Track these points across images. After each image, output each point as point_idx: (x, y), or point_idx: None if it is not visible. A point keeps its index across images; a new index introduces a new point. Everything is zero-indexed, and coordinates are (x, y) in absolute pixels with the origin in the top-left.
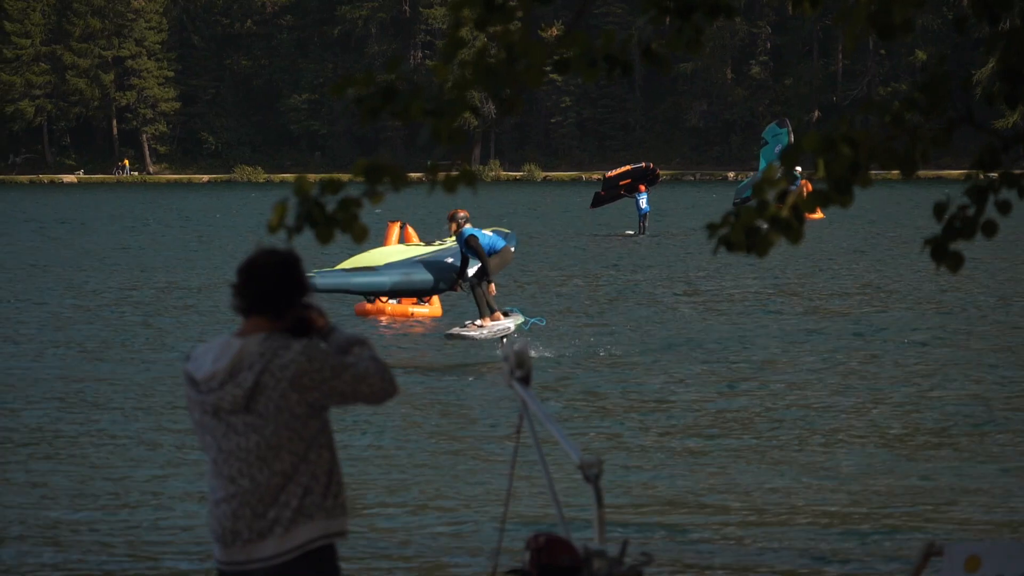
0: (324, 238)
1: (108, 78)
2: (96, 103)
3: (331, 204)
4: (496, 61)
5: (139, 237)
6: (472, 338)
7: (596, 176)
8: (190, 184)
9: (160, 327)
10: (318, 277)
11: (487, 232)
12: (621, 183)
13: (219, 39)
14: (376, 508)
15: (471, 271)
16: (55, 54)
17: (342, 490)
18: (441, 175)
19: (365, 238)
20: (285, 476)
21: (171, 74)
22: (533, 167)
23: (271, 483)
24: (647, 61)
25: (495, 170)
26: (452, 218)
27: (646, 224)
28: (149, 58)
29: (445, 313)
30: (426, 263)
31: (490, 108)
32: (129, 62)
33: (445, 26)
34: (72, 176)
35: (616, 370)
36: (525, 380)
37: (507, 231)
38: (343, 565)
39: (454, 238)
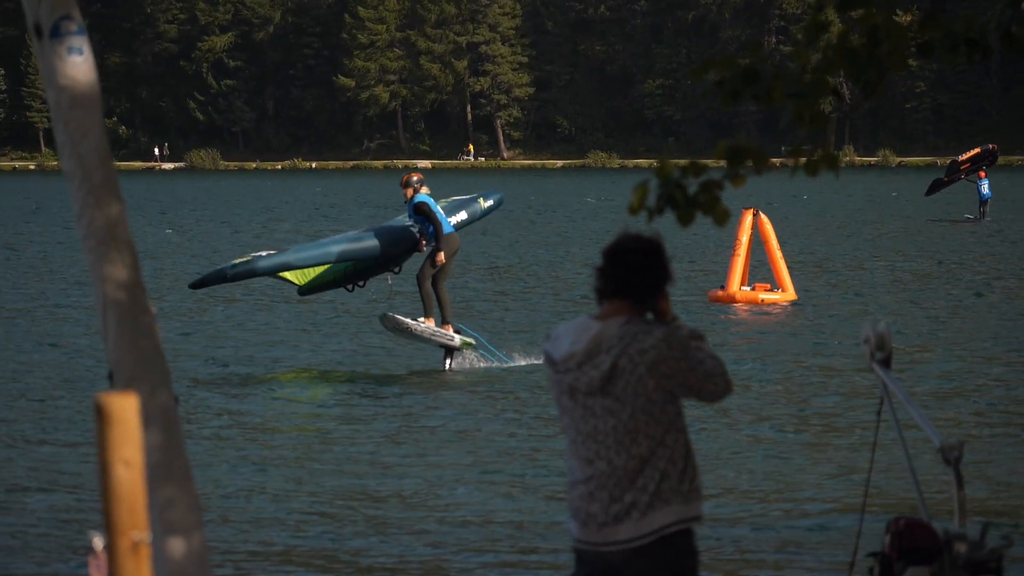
0: (685, 220)
1: (462, 64)
2: (450, 89)
3: (692, 187)
4: (857, 45)
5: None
6: (408, 328)
7: (949, 161)
8: (543, 169)
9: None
10: (258, 261)
11: (441, 208)
12: (963, 167)
13: (572, 24)
14: (731, 496)
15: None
16: (409, 40)
17: (698, 474)
18: (802, 159)
19: (726, 221)
20: (642, 460)
21: (525, 60)
22: (888, 152)
23: (628, 467)
24: (1007, 46)
25: (849, 155)
26: (407, 183)
27: (986, 210)
28: (503, 44)
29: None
30: (380, 230)
31: (845, 92)
32: (483, 48)
33: (799, 11)
34: (426, 161)
35: (946, 358)
36: (886, 362)
37: (479, 202)
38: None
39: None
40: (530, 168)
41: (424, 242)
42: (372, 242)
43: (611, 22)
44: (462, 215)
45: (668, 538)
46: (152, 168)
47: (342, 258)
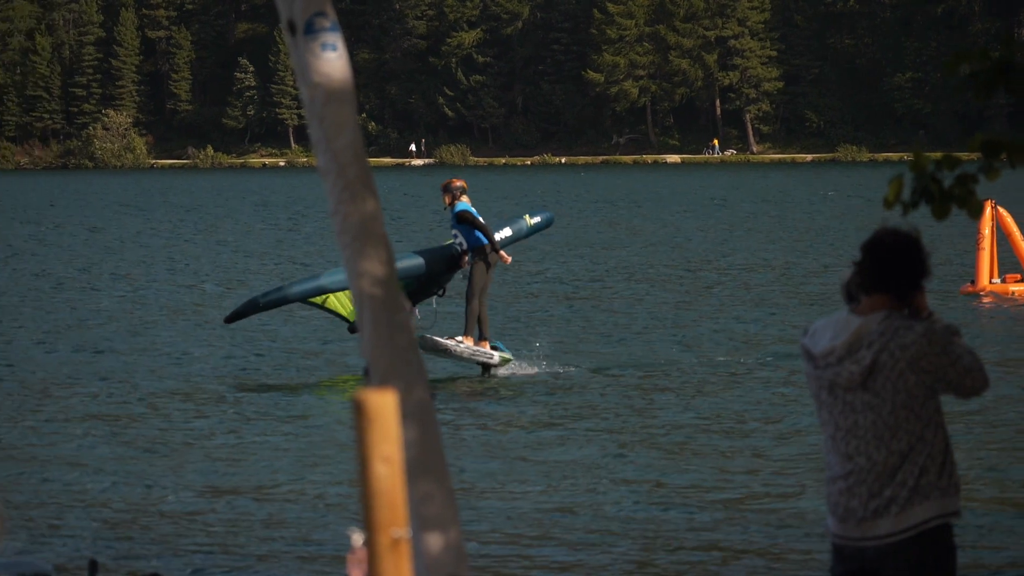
0: (940, 214)
1: (711, 58)
2: (699, 83)
3: (947, 180)
4: None
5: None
6: (447, 349)
7: None
8: (793, 163)
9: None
10: (290, 287)
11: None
12: None
13: (821, 18)
14: (974, 490)
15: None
16: (658, 34)
17: (955, 469)
18: None
19: (980, 214)
20: (901, 455)
21: (774, 53)
22: None
23: (888, 462)
24: None
25: None
26: (447, 189)
27: None
28: (752, 38)
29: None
30: (419, 251)
31: None
32: (732, 42)
33: None
34: (675, 156)
35: None
36: None
37: (534, 219)
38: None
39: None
40: (780, 162)
41: (465, 259)
42: (411, 262)
43: (859, 15)
44: (506, 231)
45: (927, 533)
46: (403, 164)
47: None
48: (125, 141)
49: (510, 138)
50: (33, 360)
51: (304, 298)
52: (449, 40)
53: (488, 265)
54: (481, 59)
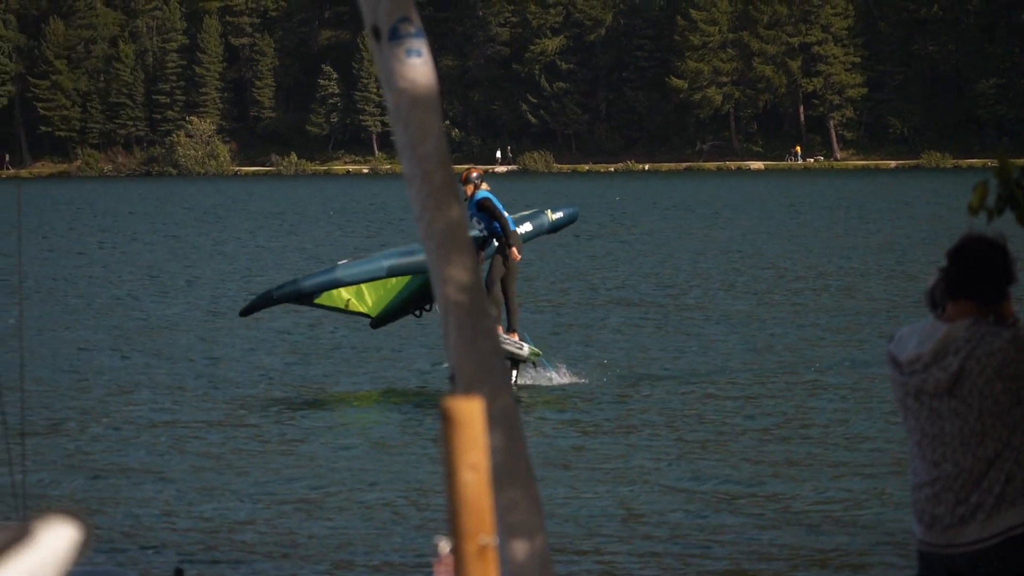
0: None
1: (795, 65)
2: (783, 90)
3: None
4: None
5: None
6: None
7: None
8: (876, 170)
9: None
10: (304, 280)
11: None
12: None
13: (906, 24)
14: None
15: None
16: (742, 41)
17: None
18: None
19: None
20: (988, 462)
21: (857, 60)
22: None
23: (974, 469)
24: None
25: None
26: (467, 179)
27: None
28: (835, 44)
29: None
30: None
31: None
32: (815, 48)
33: None
34: (759, 163)
35: None
36: None
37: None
38: None
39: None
40: (863, 169)
41: (483, 252)
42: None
43: (943, 22)
44: (527, 226)
45: (1014, 540)
46: (486, 171)
47: (393, 272)
48: (209, 148)
49: (593, 145)
50: (106, 367)
51: (318, 291)
52: (532, 47)
53: (506, 256)
54: (564, 66)
